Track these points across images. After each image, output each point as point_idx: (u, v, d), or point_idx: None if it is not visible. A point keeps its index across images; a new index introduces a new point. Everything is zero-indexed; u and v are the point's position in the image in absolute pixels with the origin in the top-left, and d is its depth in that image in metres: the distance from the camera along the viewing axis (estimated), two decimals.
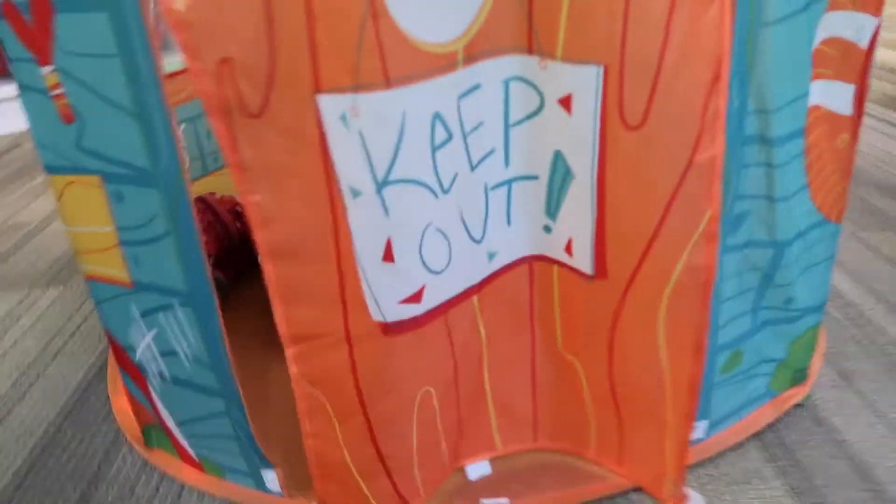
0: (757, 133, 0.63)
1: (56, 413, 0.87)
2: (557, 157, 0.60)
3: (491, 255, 0.65)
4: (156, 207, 0.62)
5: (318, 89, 0.51)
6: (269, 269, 0.56)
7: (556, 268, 0.66)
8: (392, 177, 0.54)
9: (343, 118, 0.52)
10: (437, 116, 0.55)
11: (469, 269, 0.64)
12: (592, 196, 0.59)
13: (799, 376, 0.81)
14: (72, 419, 0.86)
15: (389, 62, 0.51)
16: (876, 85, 2.07)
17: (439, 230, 0.59)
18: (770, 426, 0.78)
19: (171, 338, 0.69)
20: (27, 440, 0.83)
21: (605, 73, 0.54)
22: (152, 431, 0.80)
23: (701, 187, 0.55)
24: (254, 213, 0.54)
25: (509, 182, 0.62)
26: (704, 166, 0.54)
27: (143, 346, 0.73)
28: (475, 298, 0.66)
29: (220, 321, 0.65)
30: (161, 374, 0.73)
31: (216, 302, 0.64)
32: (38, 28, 0.60)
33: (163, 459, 0.79)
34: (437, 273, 0.60)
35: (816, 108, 0.65)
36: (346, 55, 0.50)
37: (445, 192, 0.57)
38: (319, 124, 0.52)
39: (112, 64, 0.57)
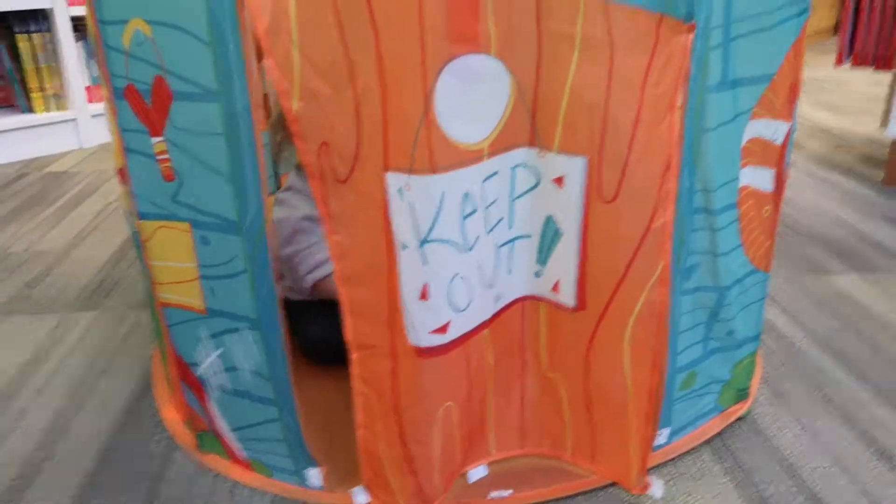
0: (702, 206, 0.82)
1: (111, 424, 0.99)
2: (549, 220, 0.77)
3: (497, 297, 0.82)
4: (237, 250, 0.77)
5: (386, 168, 0.68)
6: (342, 291, 0.73)
7: (542, 304, 0.83)
8: (431, 237, 0.72)
9: (399, 191, 0.69)
10: (466, 195, 0.73)
11: (483, 309, 0.80)
12: (577, 249, 0.77)
13: (741, 394, 1.00)
14: (127, 428, 0.98)
15: (435, 155, 0.69)
16: (811, 144, 2.33)
17: (463, 278, 0.76)
18: (718, 435, 0.95)
19: (236, 355, 0.84)
20: (91, 445, 0.95)
21: (589, 162, 0.73)
22: (205, 437, 0.93)
23: (656, 245, 0.74)
24: (334, 248, 0.72)
25: (512, 241, 0.80)
26: (659, 230, 0.73)
27: (208, 362, 0.87)
28: (486, 331, 0.82)
29: (284, 342, 0.80)
30: (222, 387, 0.87)
31: (282, 326, 0.79)
32: (155, 109, 0.75)
33: (215, 461, 0.92)
34: (460, 311, 0.77)
35: (745, 187, 0.85)
36: (406, 149, 0.68)
37: (469, 250, 0.75)
38: (385, 193, 0.69)
39: (217, 140, 0.72)
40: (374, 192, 0.69)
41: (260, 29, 0.64)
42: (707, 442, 0.94)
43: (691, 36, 0.67)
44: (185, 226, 0.80)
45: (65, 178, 2.06)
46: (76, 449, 0.94)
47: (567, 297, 0.80)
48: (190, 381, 0.91)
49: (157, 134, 0.76)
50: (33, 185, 2.00)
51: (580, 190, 0.74)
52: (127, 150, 0.81)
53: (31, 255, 1.54)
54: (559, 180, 0.75)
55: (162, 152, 0.77)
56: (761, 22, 0.78)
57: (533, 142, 0.74)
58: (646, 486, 0.84)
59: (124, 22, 0.73)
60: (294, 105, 0.65)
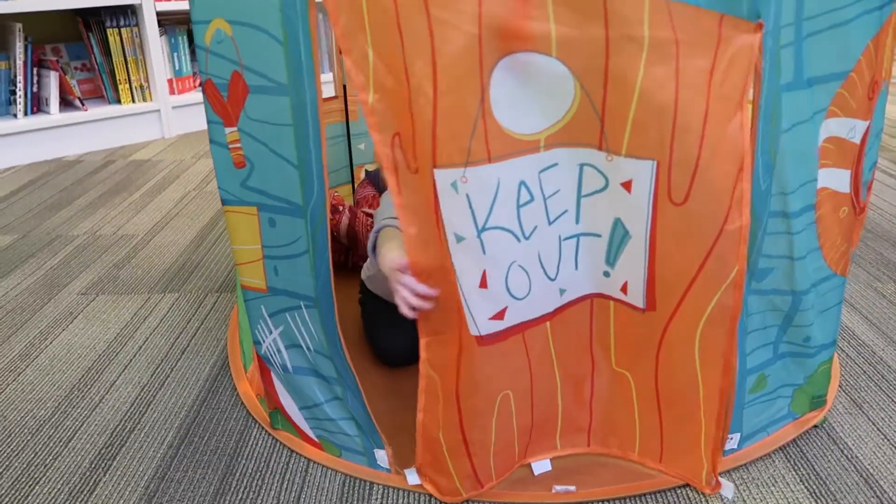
0: (780, 209, 0.80)
1: (193, 400, 1.04)
2: (617, 222, 0.77)
3: (562, 291, 0.82)
4: (300, 232, 0.81)
5: (435, 165, 0.69)
6: (418, 280, 0.75)
7: (612, 303, 0.82)
8: (488, 225, 0.73)
9: (454, 185, 0.70)
10: (522, 183, 0.73)
11: (544, 300, 0.81)
12: (645, 251, 0.76)
13: (817, 402, 0.97)
14: (207, 405, 1.03)
15: (491, 145, 0.70)
16: (891, 143, 2.23)
17: (521, 267, 0.77)
18: (793, 442, 0.93)
19: (296, 333, 0.87)
20: (173, 420, 1.00)
21: (658, 166, 0.71)
22: (277, 415, 0.97)
23: (730, 248, 0.71)
24: (409, 241, 0.73)
25: (578, 236, 0.79)
26: (733, 233, 0.71)
27: (270, 340, 0.91)
28: (548, 324, 0.83)
29: (337, 321, 0.83)
30: (284, 366, 0.90)
31: (335, 306, 0.82)
32: (231, 101, 0.79)
33: (288, 439, 0.95)
34: (518, 299, 0.78)
35: (823, 189, 0.82)
36: (462, 142, 0.69)
37: (527, 238, 0.76)
38: (434, 188, 0.70)
39: (286, 131, 0.76)
40: (429, 187, 0.71)
41: (338, 31, 0.67)
42: (780, 449, 0.92)
43: (759, 35, 0.65)
44: (253, 209, 0.84)
45: (148, 165, 2.17)
46: (160, 422, 1.00)
47: (636, 298, 0.79)
48: (258, 359, 0.95)
49: (231, 125, 0.81)
50: (119, 172, 2.11)
51: (648, 193, 0.73)
52: (210, 141, 0.85)
53: (118, 238, 1.63)
54: (627, 184, 0.74)
55: (235, 141, 0.82)
56: (835, 17, 0.75)
57: (601, 145, 0.73)
58: (717, 486, 0.84)
59: (207, 22, 0.78)
60: (370, 98, 0.68)
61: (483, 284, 0.75)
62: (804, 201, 0.82)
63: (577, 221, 0.78)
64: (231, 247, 0.92)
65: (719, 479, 0.84)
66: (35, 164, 2.20)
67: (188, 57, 2.54)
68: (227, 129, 0.82)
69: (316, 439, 0.93)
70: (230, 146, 0.83)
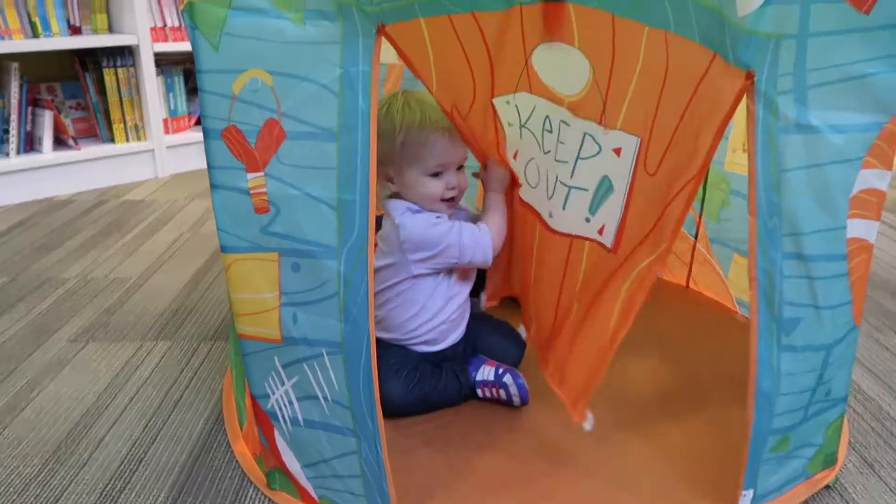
0: (793, 251, 0.79)
1: (186, 457, 1.01)
2: (604, 178, 0.95)
3: (551, 214, 1.07)
4: (330, 274, 0.80)
5: (493, 96, 1.08)
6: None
7: (587, 243, 1.01)
8: (526, 125, 1.07)
9: (507, 101, 1.07)
10: (547, 117, 1.02)
11: (541, 205, 1.10)
12: (622, 204, 0.94)
13: (829, 459, 0.95)
14: (200, 462, 0.99)
15: (533, 85, 1.02)
16: (890, 192, 2.25)
17: (536, 165, 1.09)
18: (806, 503, 0.91)
19: (313, 383, 0.84)
20: (165, 479, 0.96)
21: (640, 143, 0.90)
22: (276, 474, 0.93)
23: (666, 228, 0.85)
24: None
25: (570, 187, 1.01)
26: (670, 218, 0.85)
27: (280, 393, 0.88)
28: (538, 229, 1.12)
29: (373, 365, 0.81)
30: (294, 420, 0.87)
31: (371, 347, 0.80)
32: (261, 148, 0.79)
33: (285, 501, 0.92)
34: (531, 186, 1.12)
35: (858, 240, 0.81)
36: (510, 85, 1.05)
37: (545, 153, 1.05)
38: (493, 106, 1.10)
39: (328, 174, 0.78)
40: (489, 110, 1.10)
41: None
42: None
43: (749, 82, 0.71)
44: (273, 255, 0.82)
45: (141, 206, 2.14)
46: (151, 480, 0.96)
47: (608, 239, 0.97)
48: (259, 416, 0.92)
49: (256, 170, 0.80)
50: (112, 213, 2.08)
51: (631, 161, 0.91)
52: (212, 187, 0.84)
53: (110, 282, 1.60)
54: (618, 150, 0.92)
55: (258, 187, 0.81)
56: (855, 70, 0.76)
57: (601, 121, 0.93)
58: (584, 417, 0.98)
59: (240, 71, 0.78)
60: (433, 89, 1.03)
61: (515, 157, 1.14)
62: (828, 248, 0.80)
63: (571, 176, 1.00)
64: (232, 296, 0.89)
65: (587, 412, 0.98)
66: (26, 204, 2.17)
67: (184, 96, 2.54)
68: (251, 175, 0.81)
69: (317, 499, 0.90)
70: (252, 191, 0.82)
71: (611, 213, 0.96)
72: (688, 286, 1.52)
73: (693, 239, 1.47)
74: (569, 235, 1.05)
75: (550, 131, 1.02)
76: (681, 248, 1.50)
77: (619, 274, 0.94)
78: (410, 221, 1.06)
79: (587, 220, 1.00)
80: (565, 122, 0.98)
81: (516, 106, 1.06)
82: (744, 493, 0.87)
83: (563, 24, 0.89)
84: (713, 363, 1.21)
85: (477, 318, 1.20)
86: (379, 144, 1.06)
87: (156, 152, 2.41)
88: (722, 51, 0.72)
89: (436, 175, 1.07)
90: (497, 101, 1.08)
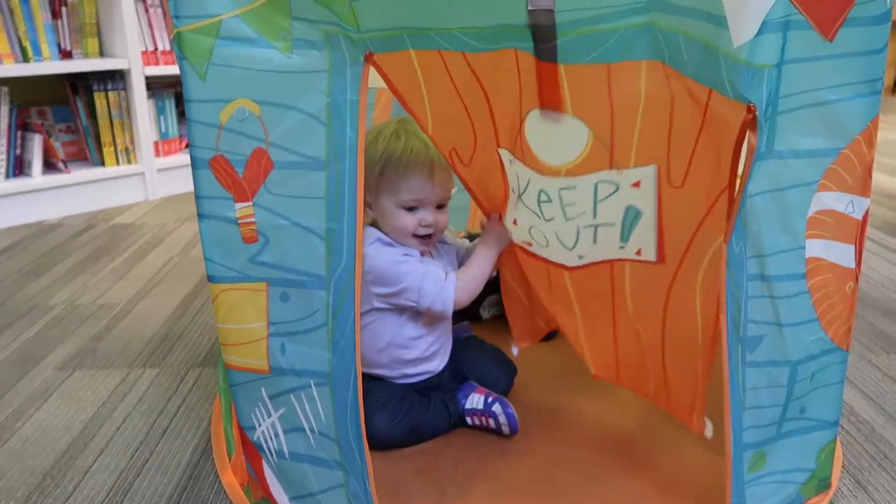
0: (758, 272, 0.80)
1: (173, 488, 0.99)
2: (629, 208, 0.92)
3: (580, 257, 1.01)
4: (319, 305, 0.80)
5: (498, 146, 0.97)
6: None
7: (628, 263, 0.97)
8: (523, 197, 0.99)
9: (510, 161, 0.97)
10: (542, 191, 0.95)
11: (562, 258, 1.02)
12: (654, 220, 0.91)
13: (823, 484, 0.94)
14: (188, 494, 0.98)
15: (525, 156, 0.93)
16: (878, 211, 2.26)
17: (541, 231, 1.01)
18: None
19: (300, 415, 0.83)
20: None
21: (659, 168, 0.86)
22: None
23: (717, 225, 0.82)
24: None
25: (596, 226, 0.97)
26: (718, 216, 0.82)
27: (266, 425, 0.87)
28: (566, 273, 1.04)
29: (359, 396, 0.80)
30: (280, 452, 0.86)
31: (358, 378, 0.79)
32: (249, 178, 0.78)
33: None
34: (540, 244, 1.04)
35: (817, 259, 0.82)
36: (511, 140, 0.94)
37: (546, 221, 0.98)
38: (500, 158, 0.99)
39: (317, 203, 0.78)
40: (494, 159, 1.00)
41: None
42: None
43: (750, 115, 0.71)
44: (262, 285, 0.82)
45: (131, 229, 2.13)
46: None
47: (649, 255, 0.94)
48: (246, 446, 0.91)
49: (244, 200, 0.80)
50: (101, 237, 2.07)
51: (653, 185, 0.88)
52: (199, 216, 0.83)
53: (98, 308, 1.58)
54: (637, 184, 0.90)
55: (246, 216, 0.80)
56: (817, 97, 0.77)
57: (611, 166, 0.89)
58: (703, 426, 0.96)
59: (227, 101, 0.78)
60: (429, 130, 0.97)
61: (514, 223, 1.05)
62: (788, 267, 0.81)
63: (594, 216, 0.95)
64: (219, 326, 0.89)
65: (705, 419, 0.95)
66: (14, 228, 2.15)
67: (175, 119, 2.55)
68: (239, 205, 0.81)
69: None
70: (241, 221, 0.81)
71: (644, 235, 0.94)
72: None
73: None
74: (608, 261, 1.00)
75: (549, 202, 0.96)
76: None
77: (679, 280, 0.92)
78: (376, 253, 1.03)
79: (621, 248, 0.96)
80: (567, 188, 0.93)
81: (516, 174, 0.99)
82: None
83: (555, 87, 0.83)
84: (713, 387, 1.21)
85: (466, 344, 1.20)
86: None
87: (146, 175, 2.41)
88: (718, 86, 0.71)
89: (411, 209, 1.05)
90: (503, 153, 0.99)
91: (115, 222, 2.21)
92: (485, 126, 0.96)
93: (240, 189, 0.80)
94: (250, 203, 0.80)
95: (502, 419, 1.08)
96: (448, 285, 1.04)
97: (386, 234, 1.06)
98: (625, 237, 0.95)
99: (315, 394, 0.82)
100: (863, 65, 0.79)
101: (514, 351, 1.20)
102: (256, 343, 0.84)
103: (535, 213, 0.98)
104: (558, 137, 0.87)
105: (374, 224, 1.09)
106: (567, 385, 1.18)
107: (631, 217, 0.92)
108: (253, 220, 0.80)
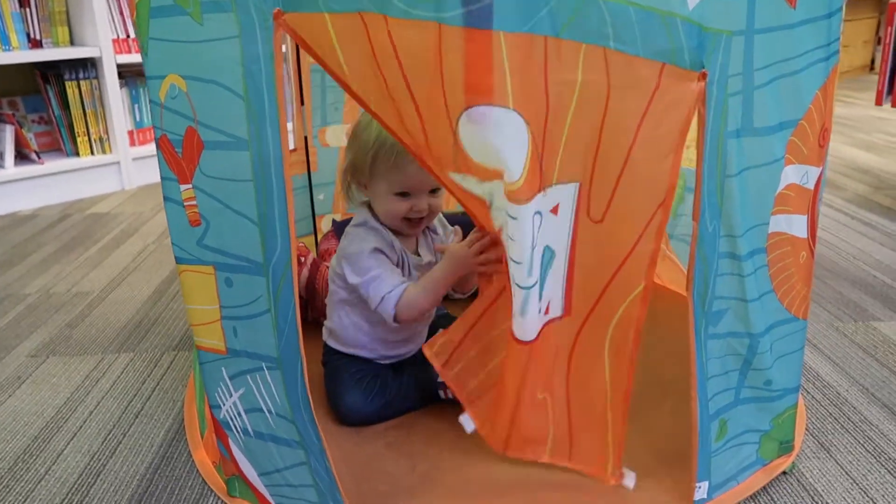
0: (728, 251, 0.81)
1: (145, 468, 1.00)
2: (546, 249, 0.79)
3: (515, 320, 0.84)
4: (260, 291, 0.77)
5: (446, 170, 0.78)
6: None
7: (538, 340, 0.83)
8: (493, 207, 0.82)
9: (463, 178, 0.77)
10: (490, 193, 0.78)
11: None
12: (565, 264, 0.80)
13: (785, 447, 0.96)
14: (160, 473, 0.98)
15: (470, 166, 0.75)
16: (851, 185, 2.29)
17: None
18: (763, 490, 0.92)
19: (257, 396, 0.84)
20: (124, 491, 0.95)
21: (580, 187, 0.76)
22: (235, 482, 0.92)
23: (639, 267, 0.76)
24: None
25: (526, 289, 0.80)
26: (643, 255, 0.76)
27: (229, 404, 0.87)
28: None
29: (305, 382, 0.79)
30: (245, 430, 0.87)
31: (303, 365, 0.78)
32: (186, 158, 0.77)
33: None
34: (516, 263, 0.83)
35: (779, 233, 0.84)
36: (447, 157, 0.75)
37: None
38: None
39: (245, 186, 0.74)
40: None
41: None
42: (751, 498, 0.91)
43: (702, 83, 0.68)
44: (210, 269, 0.81)
45: (107, 219, 2.12)
46: (109, 493, 0.95)
47: (556, 309, 0.83)
48: (215, 424, 0.92)
49: (185, 181, 0.79)
50: (76, 227, 2.06)
51: (571, 212, 0.78)
52: (164, 198, 0.83)
53: (72, 296, 1.57)
54: (555, 209, 0.78)
55: (190, 199, 0.80)
56: (785, 68, 0.77)
57: (542, 187, 0.75)
58: (620, 477, 0.86)
59: (162, 77, 0.76)
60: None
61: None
62: (753, 244, 0.82)
63: (529, 274, 0.79)
64: (186, 307, 0.89)
65: (622, 470, 0.86)
66: None
67: (149, 108, 2.52)
68: (182, 187, 0.80)
69: None
70: (185, 203, 0.81)
71: (554, 282, 0.81)
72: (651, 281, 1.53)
73: None
74: (528, 343, 0.83)
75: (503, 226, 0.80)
76: None
77: (584, 335, 0.82)
78: (355, 236, 1.05)
79: (539, 311, 0.82)
80: (511, 216, 0.75)
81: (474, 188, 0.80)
82: (698, 485, 0.88)
83: (487, 63, 0.66)
84: (672, 357, 1.22)
85: (438, 322, 1.20)
86: (355, 153, 1.05)
87: (122, 164, 2.39)
88: (672, 57, 0.67)
89: (404, 195, 1.03)
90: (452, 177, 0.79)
91: (91, 212, 2.19)
92: (415, 128, 0.74)
93: (181, 170, 0.79)
94: (190, 185, 0.78)
95: None
96: (389, 301, 1.00)
97: (377, 217, 1.07)
98: (541, 294, 0.80)
99: (268, 377, 0.81)
100: (822, 29, 0.79)
101: (468, 427, 0.93)
102: (213, 324, 0.84)
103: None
104: (497, 142, 0.70)
105: (368, 204, 1.09)
106: None
107: (546, 260, 0.79)
108: (195, 202, 0.79)
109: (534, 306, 0.80)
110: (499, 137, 0.70)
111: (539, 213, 0.76)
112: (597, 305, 0.81)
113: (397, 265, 1.07)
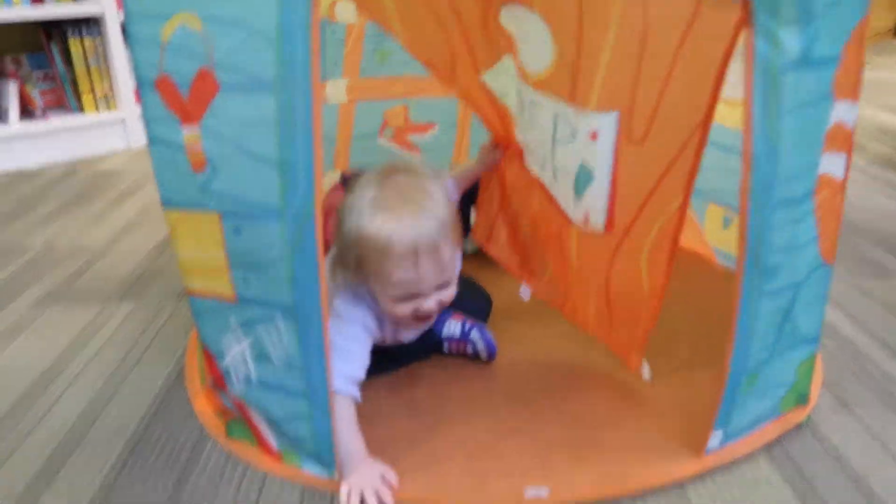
0: (785, 196, 0.75)
1: (143, 414, 0.98)
2: (581, 166, 0.87)
3: (552, 178, 0.98)
4: (274, 238, 0.74)
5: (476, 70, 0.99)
6: None
7: (574, 229, 0.96)
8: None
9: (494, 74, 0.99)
10: (519, 91, 0.96)
11: (538, 164, 1.02)
12: (608, 186, 0.86)
13: (801, 399, 0.92)
14: (158, 418, 0.97)
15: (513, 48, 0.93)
16: (877, 148, 2.22)
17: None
18: (777, 441, 0.89)
19: (267, 345, 0.81)
20: (122, 434, 0.93)
21: (621, 114, 0.81)
22: (234, 425, 0.91)
23: (677, 184, 0.78)
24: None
25: (555, 167, 0.95)
26: (681, 173, 0.77)
27: (236, 351, 0.84)
28: (537, 189, 1.04)
29: (324, 333, 0.76)
30: (248, 379, 0.84)
31: (323, 316, 0.75)
32: (194, 100, 0.73)
33: (244, 450, 0.89)
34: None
35: (823, 175, 0.78)
36: (492, 50, 0.96)
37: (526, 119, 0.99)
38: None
39: (267, 129, 0.70)
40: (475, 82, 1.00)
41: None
42: (765, 449, 0.88)
43: (745, 12, 0.64)
44: (213, 216, 0.78)
45: (112, 176, 2.10)
46: (107, 436, 0.93)
47: (597, 225, 0.90)
48: (214, 372, 0.89)
49: (190, 122, 0.75)
50: (81, 183, 2.03)
51: (612, 140, 0.82)
52: (150, 140, 0.80)
53: (74, 250, 1.56)
54: (594, 135, 0.83)
55: (193, 142, 0.76)
56: None
57: (572, 99, 0.83)
58: (640, 366, 0.95)
59: (168, 16, 0.73)
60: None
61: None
62: (805, 187, 0.77)
63: (553, 154, 0.93)
64: (179, 253, 0.86)
65: (643, 361, 0.95)
66: None
67: (133, 49, 2.48)
68: (186, 129, 0.76)
69: (277, 448, 0.87)
70: (187, 147, 0.77)
71: (594, 200, 0.87)
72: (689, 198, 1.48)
73: None
74: (561, 211, 0.97)
75: (521, 113, 0.93)
76: None
77: (623, 248, 0.88)
78: (342, 309, 0.90)
79: (574, 199, 0.92)
80: (535, 103, 0.89)
81: (502, 78, 0.96)
82: (714, 433, 0.85)
83: None
84: (685, 316, 1.18)
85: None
86: (340, 244, 0.88)
87: (127, 122, 2.36)
88: None
89: (406, 297, 0.87)
90: (485, 77, 0.98)
91: (96, 169, 2.17)
92: (459, 42, 0.91)
93: (185, 112, 0.75)
94: (196, 127, 0.74)
95: (480, 345, 1.06)
96: (338, 383, 0.82)
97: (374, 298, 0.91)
98: (578, 190, 0.90)
99: (281, 326, 0.78)
100: None
101: (525, 294, 1.16)
102: (219, 271, 0.81)
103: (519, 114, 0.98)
104: (527, 35, 0.83)
105: None
106: (545, 315, 1.16)
107: (584, 177, 0.87)
108: (200, 146, 0.75)
109: (564, 182, 0.93)
110: (527, 29, 0.83)
111: (564, 118, 0.87)
112: (635, 222, 0.84)
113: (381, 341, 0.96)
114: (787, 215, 0.76)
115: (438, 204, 0.86)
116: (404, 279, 0.84)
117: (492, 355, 1.06)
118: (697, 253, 1.41)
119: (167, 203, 0.82)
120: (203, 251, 0.82)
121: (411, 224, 0.82)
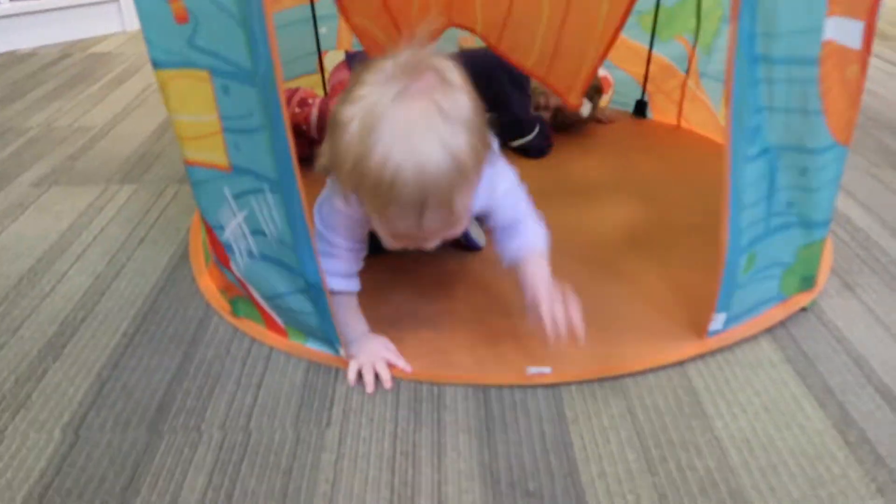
0: (761, 52, 0.71)
1: (150, 289, 0.98)
2: None
3: None
4: (253, 104, 0.71)
5: None
6: None
7: None
8: None
9: None
10: None
11: None
12: None
13: (807, 283, 0.92)
14: (164, 294, 0.97)
15: None
16: (895, 32, 2.11)
17: None
18: (780, 324, 0.89)
19: (260, 219, 0.79)
20: (129, 309, 0.94)
21: None
22: (239, 303, 0.91)
23: None
24: None
25: None
26: None
27: (234, 224, 0.83)
28: None
29: (304, 208, 0.72)
30: (250, 252, 0.84)
31: (301, 190, 0.71)
32: None
33: (250, 327, 0.90)
34: None
35: (829, 42, 0.73)
36: None
37: None
38: None
39: None
40: None
41: None
42: (767, 331, 0.88)
43: None
44: (205, 74, 0.74)
45: (108, 58, 2.03)
46: (114, 310, 0.94)
47: None
48: (216, 246, 0.89)
49: None
50: (77, 65, 1.97)
51: None
52: None
53: (75, 130, 1.53)
54: None
55: None
56: None
57: None
58: (580, 104, 1.03)
59: None
60: None
61: None
62: (801, 49, 0.73)
63: None
64: (173, 118, 0.83)
65: (584, 100, 1.03)
66: None
67: None
68: None
69: (282, 325, 0.88)
70: None
71: None
72: (679, 125, 1.44)
73: (684, 74, 1.38)
74: None
75: None
76: (670, 86, 1.41)
77: None
78: (325, 212, 0.82)
79: None
80: None
81: None
82: (715, 316, 0.85)
83: None
84: (693, 201, 1.16)
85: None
86: (332, 156, 0.71)
87: (121, 3, 2.26)
88: None
89: (404, 239, 0.76)
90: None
91: (92, 51, 2.10)
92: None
93: None
94: None
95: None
96: (333, 287, 0.79)
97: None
98: None
99: (270, 199, 0.76)
100: None
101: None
102: (213, 137, 0.78)
103: None
104: None
105: None
106: (554, 201, 1.13)
107: None
108: None
109: None
110: None
111: None
112: None
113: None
114: (766, 72, 0.72)
115: (464, 138, 0.66)
116: (403, 227, 0.71)
117: (477, 248, 1.05)
118: (711, 140, 1.37)
119: (158, 64, 0.79)
120: (196, 114, 0.79)
121: (425, 166, 0.64)
